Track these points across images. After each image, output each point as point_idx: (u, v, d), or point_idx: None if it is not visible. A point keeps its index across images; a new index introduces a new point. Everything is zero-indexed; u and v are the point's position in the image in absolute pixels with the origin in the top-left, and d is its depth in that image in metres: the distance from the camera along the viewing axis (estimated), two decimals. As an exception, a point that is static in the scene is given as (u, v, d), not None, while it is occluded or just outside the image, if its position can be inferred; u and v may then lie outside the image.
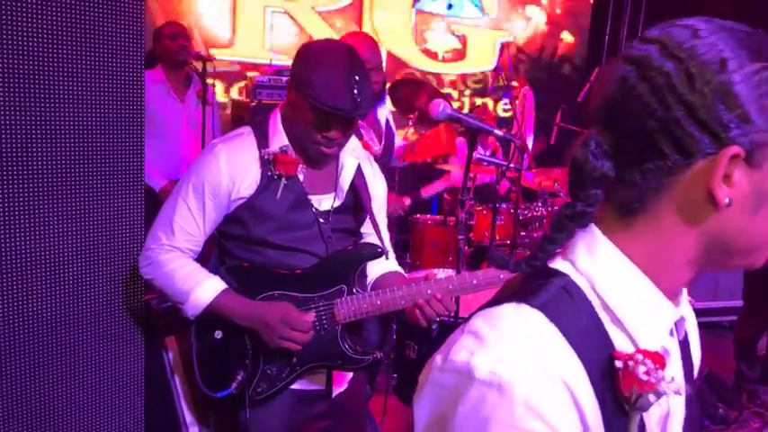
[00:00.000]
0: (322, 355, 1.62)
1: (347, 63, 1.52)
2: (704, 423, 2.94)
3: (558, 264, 0.67)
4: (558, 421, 0.57)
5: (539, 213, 3.77)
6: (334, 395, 1.73)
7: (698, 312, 3.04)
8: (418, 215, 3.78)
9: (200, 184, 1.56)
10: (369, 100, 1.55)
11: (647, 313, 0.65)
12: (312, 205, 1.62)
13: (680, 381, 0.70)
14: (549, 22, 6.00)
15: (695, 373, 0.80)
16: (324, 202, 1.65)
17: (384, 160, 2.81)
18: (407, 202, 3.32)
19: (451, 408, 0.60)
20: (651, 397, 0.60)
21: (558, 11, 6.05)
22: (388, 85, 4.00)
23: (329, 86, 1.47)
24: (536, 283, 0.65)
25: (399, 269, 1.84)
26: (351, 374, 1.78)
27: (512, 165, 2.99)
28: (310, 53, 1.56)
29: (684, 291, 0.72)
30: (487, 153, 4.07)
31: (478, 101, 5.62)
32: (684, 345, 0.76)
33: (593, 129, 0.66)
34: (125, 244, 1.89)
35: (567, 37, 6.19)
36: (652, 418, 0.65)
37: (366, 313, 1.61)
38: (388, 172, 2.68)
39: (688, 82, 0.59)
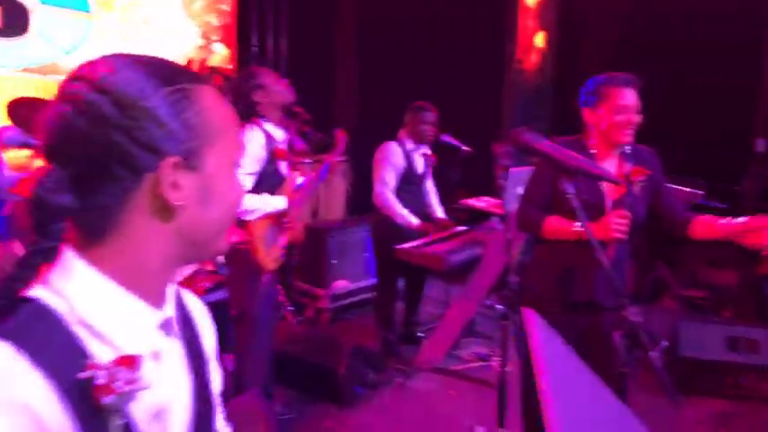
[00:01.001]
0: None
1: None
2: (356, 391, 3.35)
3: (33, 290, 0.70)
4: None
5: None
6: None
7: (352, 293, 3.39)
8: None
9: None
10: None
11: (126, 322, 0.72)
12: None
13: (177, 375, 0.79)
14: (203, 35, 6.06)
15: (210, 361, 0.89)
16: None
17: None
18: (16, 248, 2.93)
19: None
20: (121, 398, 0.66)
21: (215, 23, 6.14)
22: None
23: None
24: (6, 315, 0.67)
25: None
26: None
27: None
28: None
29: (168, 292, 0.79)
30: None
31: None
32: (191, 339, 0.84)
33: (48, 165, 0.70)
34: None
35: (220, 49, 6.32)
36: (142, 416, 0.71)
37: None
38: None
39: (118, 111, 0.68)
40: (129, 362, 0.67)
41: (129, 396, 0.67)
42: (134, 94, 0.69)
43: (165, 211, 0.72)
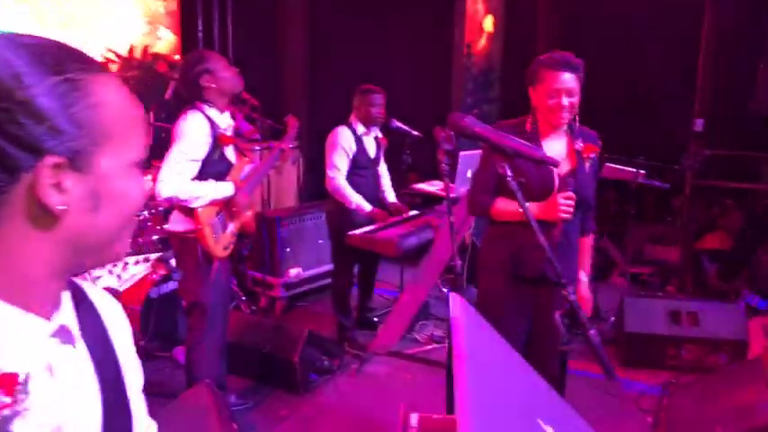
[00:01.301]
0: None
1: None
2: (312, 378, 3.34)
3: None
4: None
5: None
6: None
7: (306, 280, 3.37)
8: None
9: None
10: None
11: (8, 337, 0.63)
12: None
13: (82, 384, 0.71)
14: (149, 21, 5.87)
15: (124, 361, 0.80)
16: None
17: None
18: None
19: None
20: None
21: (161, 9, 5.96)
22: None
23: None
24: None
25: None
26: None
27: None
28: None
29: (63, 297, 0.71)
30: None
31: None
32: (99, 342, 0.76)
33: None
34: None
35: (166, 34, 6.15)
36: None
37: None
38: None
39: None
40: (4, 383, 0.59)
41: (3, 423, 0.59)
42: (10, 83, 0.60)
43: (46, 216, 0.63)
